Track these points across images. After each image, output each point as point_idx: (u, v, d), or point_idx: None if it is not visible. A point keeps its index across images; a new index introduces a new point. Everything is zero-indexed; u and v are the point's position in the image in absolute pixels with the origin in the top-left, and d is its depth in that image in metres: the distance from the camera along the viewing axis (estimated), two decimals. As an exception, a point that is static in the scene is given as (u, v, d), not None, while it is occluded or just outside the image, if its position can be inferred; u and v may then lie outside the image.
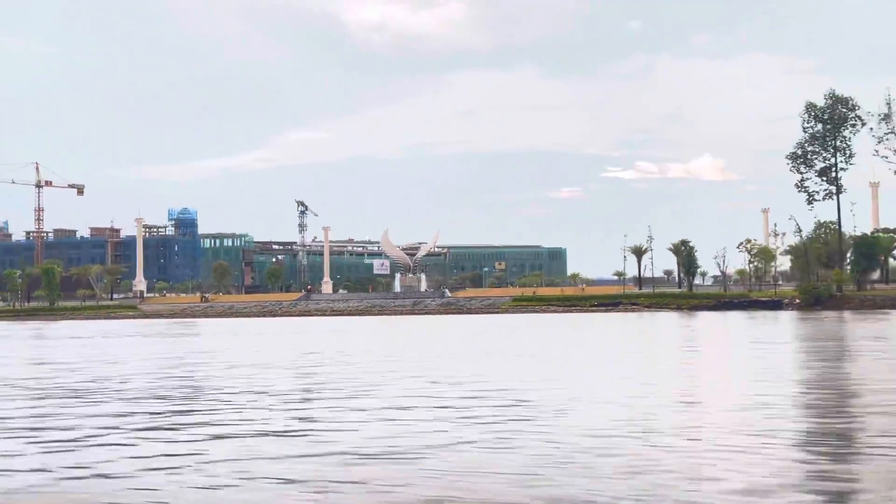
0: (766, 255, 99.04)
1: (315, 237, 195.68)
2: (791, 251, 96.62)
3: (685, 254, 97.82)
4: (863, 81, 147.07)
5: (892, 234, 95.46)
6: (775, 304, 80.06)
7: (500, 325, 64.18)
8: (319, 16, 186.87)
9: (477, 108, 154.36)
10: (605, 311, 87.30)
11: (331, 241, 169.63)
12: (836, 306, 75.88)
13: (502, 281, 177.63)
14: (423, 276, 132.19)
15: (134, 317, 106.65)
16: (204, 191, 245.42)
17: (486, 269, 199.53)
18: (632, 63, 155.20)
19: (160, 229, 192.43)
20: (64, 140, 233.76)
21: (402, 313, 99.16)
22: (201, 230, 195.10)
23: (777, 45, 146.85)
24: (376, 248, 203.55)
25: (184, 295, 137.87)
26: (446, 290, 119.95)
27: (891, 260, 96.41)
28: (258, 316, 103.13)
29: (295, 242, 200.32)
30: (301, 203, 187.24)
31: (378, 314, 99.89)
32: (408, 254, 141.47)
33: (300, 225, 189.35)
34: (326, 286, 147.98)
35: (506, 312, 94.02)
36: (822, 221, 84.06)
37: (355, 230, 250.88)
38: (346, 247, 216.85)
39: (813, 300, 77.63)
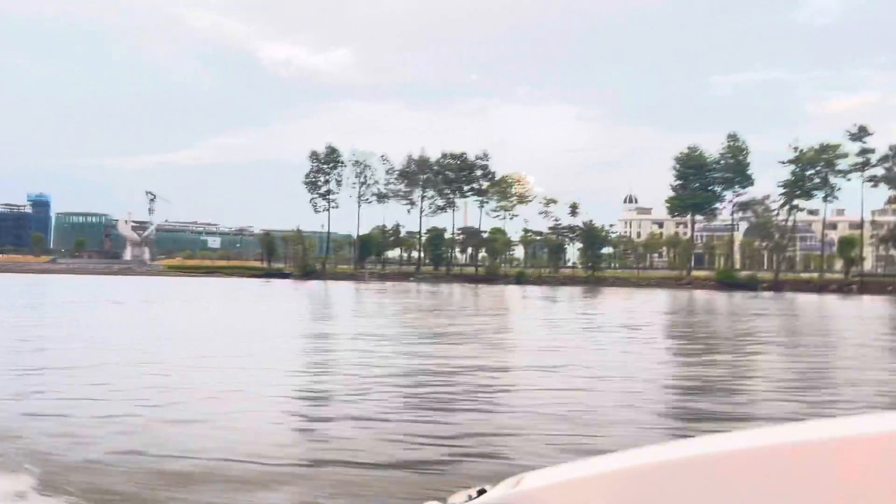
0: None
1: (166, 220, 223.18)
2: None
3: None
4: (622, 127, 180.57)
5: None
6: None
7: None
8: (239, 51, 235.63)
9: (360, 129, 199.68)
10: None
11: (176, 222, 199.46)
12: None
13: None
14: (146, 249, 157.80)
15: None
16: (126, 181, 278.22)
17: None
18: (471, 104, 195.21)
19: (20, 207, 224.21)
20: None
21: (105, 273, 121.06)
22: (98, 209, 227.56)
23: (571, 98, 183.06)
24: (214, 229, 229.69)
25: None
26: (148, 260, 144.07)
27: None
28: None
29: (147, 222, 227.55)
30: (150, 192, 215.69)
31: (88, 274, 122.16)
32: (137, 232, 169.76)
33: (149, 209, 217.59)
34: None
35: (159, 275, 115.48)
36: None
37: (228, 216, 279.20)
38: (188, 227, 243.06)
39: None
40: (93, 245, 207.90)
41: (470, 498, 1.57)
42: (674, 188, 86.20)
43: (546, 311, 39.75)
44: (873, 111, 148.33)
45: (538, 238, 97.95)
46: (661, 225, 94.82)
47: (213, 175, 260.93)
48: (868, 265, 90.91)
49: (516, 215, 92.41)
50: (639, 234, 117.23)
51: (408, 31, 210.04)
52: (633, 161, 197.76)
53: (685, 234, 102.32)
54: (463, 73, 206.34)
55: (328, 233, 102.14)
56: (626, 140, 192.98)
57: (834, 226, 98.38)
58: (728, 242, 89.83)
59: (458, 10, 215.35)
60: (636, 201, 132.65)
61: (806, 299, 62.49)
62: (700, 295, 67.81)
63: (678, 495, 1.34)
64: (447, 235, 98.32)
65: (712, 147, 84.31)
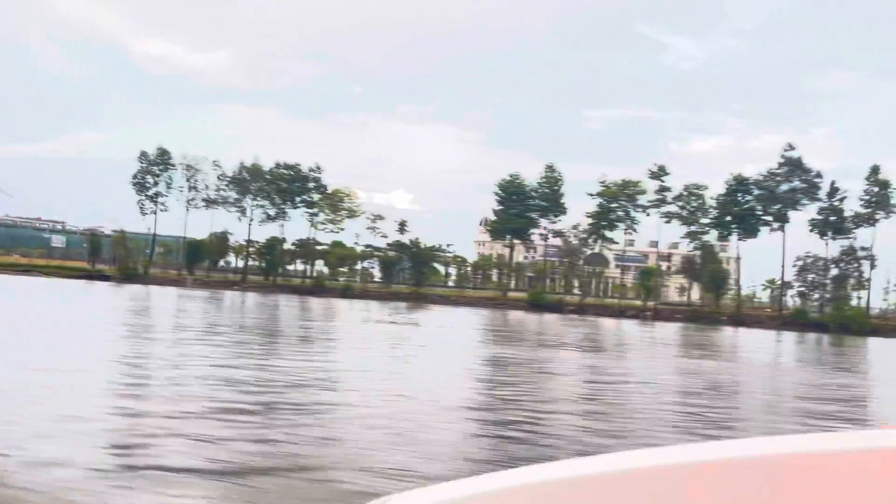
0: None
1: (6, 214, 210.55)
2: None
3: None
4: (500, 151, 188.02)
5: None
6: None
7: None
8: (111, 44, 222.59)
9: (236, 133, 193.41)
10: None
11: (17, 217, 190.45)
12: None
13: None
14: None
15: None
16: None
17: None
18: (353, 118, 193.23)
19: None
20: None
21: None
22: None
23: (452, 119, 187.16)
24: (60, 228, 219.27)
25: None
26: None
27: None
28: None
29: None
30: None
31: None
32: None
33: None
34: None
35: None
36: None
37: (83, 214, 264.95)
38: (31, 223, 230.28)
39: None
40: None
41: None
42: (495, 213, 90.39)
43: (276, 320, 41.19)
44: (729, 154, 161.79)
45: (379, 253, 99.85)
46: (512, 248, 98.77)
47: (72, 170, 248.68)
48: (674, 294, 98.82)
49: (343, 229, 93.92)
50: (493, 256, 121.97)
51: (291, 38, 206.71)
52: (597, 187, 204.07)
53: (528, 257, 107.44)
54: (346, 86, 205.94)
55: (153, 236, 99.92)
56: (502, 164, 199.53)
57: (646, 256, 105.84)
58: (543, 267, 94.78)
59: (344, 23, 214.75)
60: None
61: (593, 321, 67.39)
62: (497, 314, 71.66)
63: None
64: (287, 246, 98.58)
65: (585, 176, 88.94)
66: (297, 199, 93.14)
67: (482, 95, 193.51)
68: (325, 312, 51.05)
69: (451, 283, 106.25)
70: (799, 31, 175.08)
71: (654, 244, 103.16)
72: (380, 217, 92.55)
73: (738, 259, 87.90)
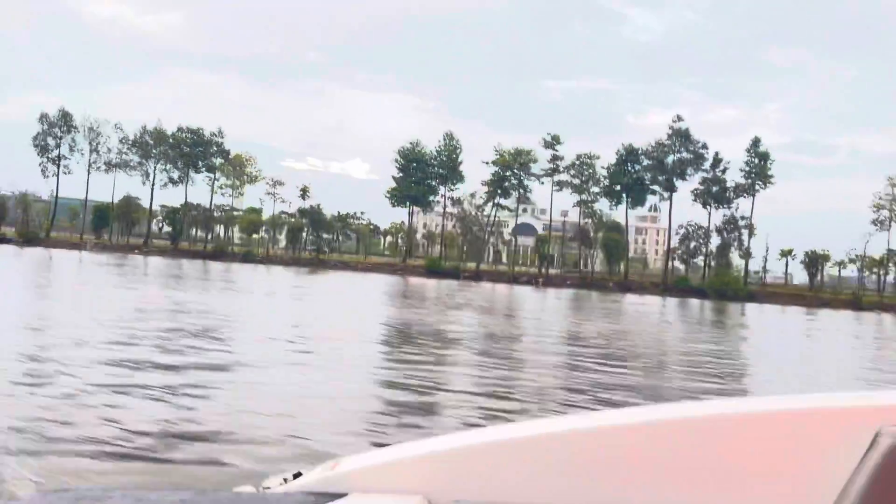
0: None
1: None
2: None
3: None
4: (458, 120, 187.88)
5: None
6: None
7: None
8: (61, 5, 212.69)
9: (190, 98, 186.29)
10: None
11: None
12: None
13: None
14: None
15: None
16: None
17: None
18: (308, 85, 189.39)
19: None
20: None
21: None
22: None
23: (410, 88, 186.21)
24: None
25: None
26: None
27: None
28: None
29: None
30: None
31: None
32: None
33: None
34: None
35: None
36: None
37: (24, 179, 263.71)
38: None
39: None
40: None
41: (285, 481, 1.54)
42: (395, 180, 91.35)
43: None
44: (684, 127, 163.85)
45: (292, 219, 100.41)
46: (411, 215, 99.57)
47: (20, 134, 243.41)
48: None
49: (241, 194, 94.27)
50: (425, 225, 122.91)
51: (245, 2, 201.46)
52: (464, 156, 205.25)
53: (454, 225, 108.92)
54: (302, 53, 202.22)
55: (55, 198, 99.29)
56: (460, 134, 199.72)
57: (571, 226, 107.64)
58: (441, 234, 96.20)
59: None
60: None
61: (482, 287, 68.86)
62: (392, 279, 72.79)
63: (496, 476, 1.43)
64: (194, 212, 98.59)
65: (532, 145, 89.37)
66: (200, 163, 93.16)
67: (441, 65, 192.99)
68: (172, 271, 51.68)
69: (386, 252, 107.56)
70: (755, 7, 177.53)
71: (565, 213, 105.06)
72: (279, 182, 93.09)
73: (628, 229, 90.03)
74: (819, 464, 1.32)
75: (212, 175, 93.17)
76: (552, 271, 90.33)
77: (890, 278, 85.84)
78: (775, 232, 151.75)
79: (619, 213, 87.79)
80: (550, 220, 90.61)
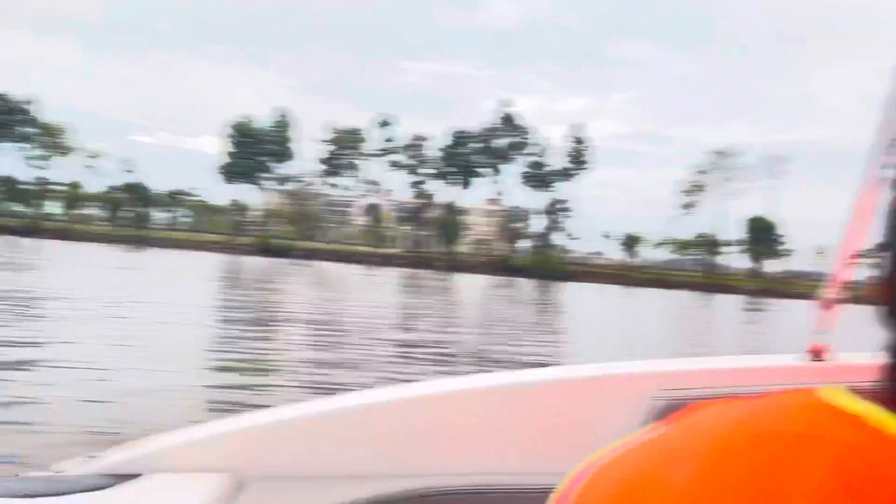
0: None
1: None
2: None
3: None
4: (319, 99, 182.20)
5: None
6: None
7: None
8: None
9: (20, 62, 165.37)
10: None
11: None
12: None
13: None
14: None
15: None
16: None
17: None
18: (157, 55, 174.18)
19: None
20: None
21: None
22: None
23: (269, 64, 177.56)
24: None
25: None
26: None
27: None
28: None
29: None
30: None
31: None
32: None
33: None
34: None
35: None
36: None
37: None
38: None
39: None
40: None
41: (80, 464, 1.42)
42: (228, 155, 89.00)
43: None
44: (538, 114, 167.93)
45: (123, 195, 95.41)
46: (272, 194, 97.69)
47: None
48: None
49: (50, 166, 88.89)
50: (266, 204, 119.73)
51: None
52: (327, 134, 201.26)
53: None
54: (150, 22, 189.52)
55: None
56: (322, 113, 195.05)
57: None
58: (273, 212, 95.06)
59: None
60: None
61: (311, 266, 68.30)
62: (214, 257, 70.75)
63: (309, 450, 1.41)
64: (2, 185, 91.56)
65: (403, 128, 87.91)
66: (9, 132, 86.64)
67: (297, 41, 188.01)
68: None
69: (224, 231, 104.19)
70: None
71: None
72: (96, 154, 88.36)
73: (460, 210, 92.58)
74: (602, 426, 1.39)
75: (20, 144, 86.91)
76: (392, 251, 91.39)
77: (699, 259, 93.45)
78: (617, 216, 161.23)
79: (469, 196, 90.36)
80: (393, 202, 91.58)
